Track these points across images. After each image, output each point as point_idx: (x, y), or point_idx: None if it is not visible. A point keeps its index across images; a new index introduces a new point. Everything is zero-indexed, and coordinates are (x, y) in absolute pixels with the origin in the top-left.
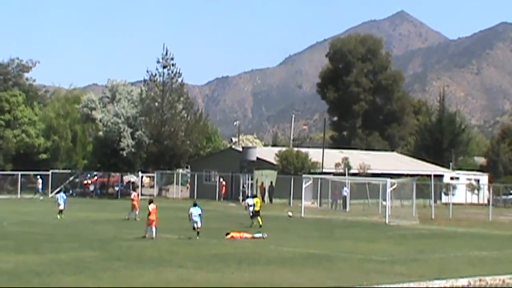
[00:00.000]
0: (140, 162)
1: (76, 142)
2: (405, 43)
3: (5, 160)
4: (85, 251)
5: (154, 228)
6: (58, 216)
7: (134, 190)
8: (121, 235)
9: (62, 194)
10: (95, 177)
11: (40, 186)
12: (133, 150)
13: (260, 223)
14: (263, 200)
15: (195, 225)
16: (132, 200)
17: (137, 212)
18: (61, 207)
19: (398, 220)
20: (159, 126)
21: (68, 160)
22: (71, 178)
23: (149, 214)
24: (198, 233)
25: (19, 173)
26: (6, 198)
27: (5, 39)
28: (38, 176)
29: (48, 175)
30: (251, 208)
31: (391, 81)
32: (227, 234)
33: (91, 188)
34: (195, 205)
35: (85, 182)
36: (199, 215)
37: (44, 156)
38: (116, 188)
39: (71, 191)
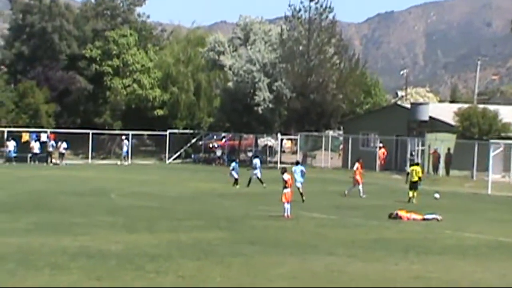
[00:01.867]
0: (279, 121)
1: (200, 95)
2: None
3: (113, 116)
4: (211, 231)
5: (287, 205)
6: (237, 186)
7: (357, 160)
8: (255, 213)
9: (234, 164)
10: (223, 140)
11: (125, 149)
12: (270, 105)
13: (410, 196)
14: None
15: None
16: (354, 172)
17: (360, 187)
18: (235, 176)
19: None
20: (303, 75)
21: (190, 117)
22: (193, 141)
23: (285, 186)
24: (301, 194)
25: (130, 132)
26: (113, 164)
27: None
28: (124, 137)
29: (165, 136)
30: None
31: None
32: (391, 214)
33: (218, 153)
34: (297, 163)
35: (211, 145)
36: (302, 174)
37: (160, 112)
38: (250, 154)
39: (193, 157)
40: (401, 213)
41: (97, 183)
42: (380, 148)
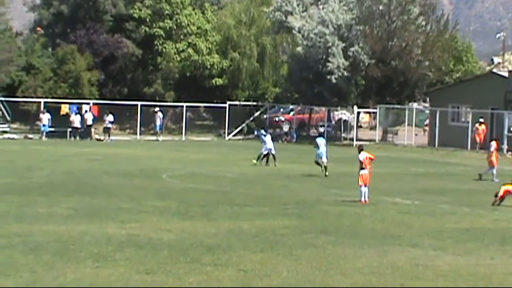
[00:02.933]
0: (355, 92)
1: (264, 61)
2: None
3: (165, 86)
4: (277, 219)
5: (364, 189)
6: (255, 162)
7: (494, 139)
8: (327, 198)
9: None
10: (291, 113)
11: (159, 123)
12: (345, 74)
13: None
14: None
15: (320, 160)
16: (491, 153)
17: (494, 171)
18: (273, 151)
19: None
20: (384, 39)
21: (253, 87)
22: (256, 114)
23: (361, 167)
24: (325, 168)
25: (184, 104)
26: (168, 141)
27: None
28: (157, 109)
29: (224, 108)
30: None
31: None
32: (496, 199)
33: (285, 128)
34: (320, 135)
35: (277, 119)
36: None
37: (218, 81)
38: (321, 129)
39: (255, 132)
40: (508, 187)
41: (146, 163)
42: (480, 124)
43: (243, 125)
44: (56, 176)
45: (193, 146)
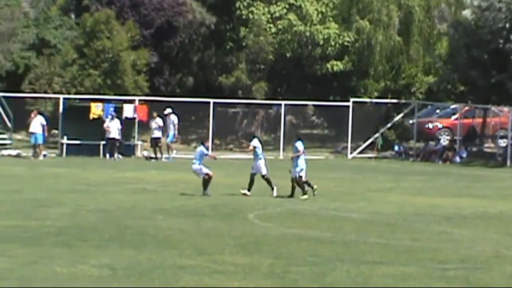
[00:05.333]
0: None
1: (410, 34)
2: None
3: (252, 73)
4: (429, 285)
5: None
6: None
7: None
8: None
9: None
10: (453, 117)
11: (172, 133)
12: None
13: None
14: None
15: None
16: None
17: None
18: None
19: None
20: None
21: (392, 75)
22: (396, 118)
23: None
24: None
25: (282, 102)
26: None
27: None
28: (170, 111)
29: (346, 108)
30: None
31: None
32: None
33: (443, 140)
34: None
35: (431, 126)
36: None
37: (337, 65)
38: (502, 142)
39: (396, 148)
40: None
41: (223, 194)
42: None
43: (376, 135)
44: (82, 216)
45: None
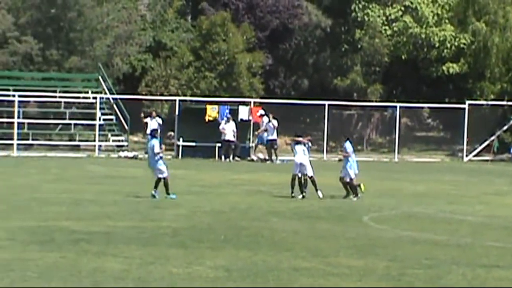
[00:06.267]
0: None
1: None
2: None
3: (367, 76)
4: None
5: None
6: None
7: None
8: None
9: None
10: None
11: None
12: None
13: None
14: None
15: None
16: None
17: None
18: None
19: None
20: None
21: (509, 77)
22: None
23: None
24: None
25: (397, 105)
26: (371, 162)
27: None
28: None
29: (462, 110)
30: None
31: None
32: None
33: None
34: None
35: None
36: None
37: (453, 67)
38: None
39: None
40: None
41: (336, 196)
42: None
43: (493, 137)
44: (197, 217)
45: (411, 171)
